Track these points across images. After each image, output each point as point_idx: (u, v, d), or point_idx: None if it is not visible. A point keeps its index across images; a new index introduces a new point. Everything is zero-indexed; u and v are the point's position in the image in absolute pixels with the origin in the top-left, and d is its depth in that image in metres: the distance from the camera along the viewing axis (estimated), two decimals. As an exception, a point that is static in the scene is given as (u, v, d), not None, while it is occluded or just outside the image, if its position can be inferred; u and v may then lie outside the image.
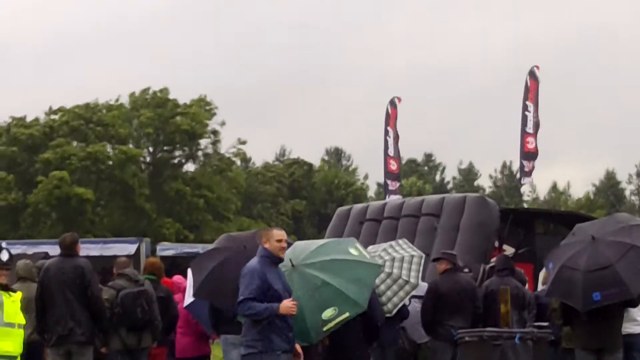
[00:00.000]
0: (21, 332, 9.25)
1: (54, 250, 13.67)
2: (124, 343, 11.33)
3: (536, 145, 25.08)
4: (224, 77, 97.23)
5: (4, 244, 9.77)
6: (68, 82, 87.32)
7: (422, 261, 11.75)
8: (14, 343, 9.14)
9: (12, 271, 10.24)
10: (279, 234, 9.31)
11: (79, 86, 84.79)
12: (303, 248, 10.19)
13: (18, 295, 9.35)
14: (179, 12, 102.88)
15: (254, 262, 9.18)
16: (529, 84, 25.35)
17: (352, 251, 10.13)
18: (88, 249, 19.89)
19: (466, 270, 12.73)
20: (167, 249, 27.32)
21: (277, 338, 9.02)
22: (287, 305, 8.89)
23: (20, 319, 9.28)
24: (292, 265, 9.71)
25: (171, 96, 55.72)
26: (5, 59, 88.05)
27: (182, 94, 57.93)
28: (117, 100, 56.18)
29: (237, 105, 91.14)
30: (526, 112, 25.33)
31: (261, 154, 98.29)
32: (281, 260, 9.33)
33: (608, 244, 10.42)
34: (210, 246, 11.96)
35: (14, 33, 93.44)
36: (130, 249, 24.19)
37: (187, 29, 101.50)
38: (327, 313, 9.40)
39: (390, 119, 30.33)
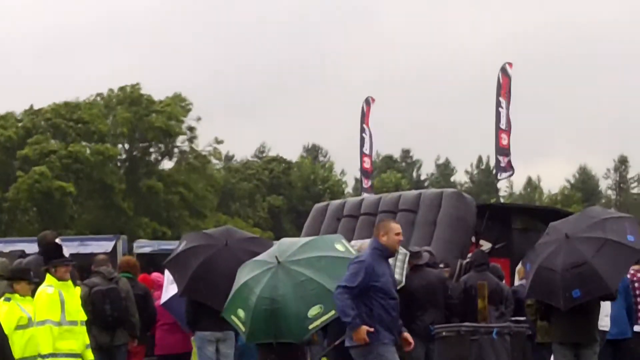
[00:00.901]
0: (83, 329, 9.21)
1: (31, 248, 13.57)
2: (96, 341, 11.27)
3: (509, 141, 25.21)
4: (206, 73, 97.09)
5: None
6: (49, 80, 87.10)
7: (407, 258, 11.71)
8: (77, 341, 9.11)
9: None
10: (397, 227, 9.20)
11: (60, 85, 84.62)
12: (289, 245, 10.05)
13: (77, 290, 9.29)
14: (157, 9, 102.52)
15: (365, 253, 9.08)
16: (501, 81, 25.46)
17: (339, 247, 9.96)
18: (65, 246, 19.74)
19: (441, 265, 12.73)
20: (144, 246, 27.27)
21: (383, 330, 8.96)
22: (361, 335, 8.77)
23: (82, 316, 9.23)
24: (278, 262, 9.56)
25: (149, 92, 55.57)
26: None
27: (160, 91, 57.84)
28: (94, 96, 55.99)
29: (220, 101, 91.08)
30: (499, 109, 25.42)
31: (242, 150, 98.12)
32: (393, 254, 9.18)
33: (582, 240, 10.44)
34: (181, 244, 11.76)
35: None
36: (107, 246, 24.13)
37: (169, 25, 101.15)
38: (313, 311, 9.24)
39: (366, 117, 30.48)
